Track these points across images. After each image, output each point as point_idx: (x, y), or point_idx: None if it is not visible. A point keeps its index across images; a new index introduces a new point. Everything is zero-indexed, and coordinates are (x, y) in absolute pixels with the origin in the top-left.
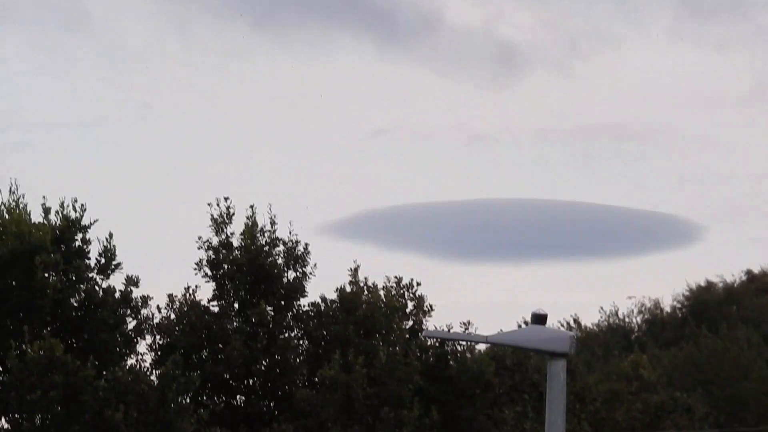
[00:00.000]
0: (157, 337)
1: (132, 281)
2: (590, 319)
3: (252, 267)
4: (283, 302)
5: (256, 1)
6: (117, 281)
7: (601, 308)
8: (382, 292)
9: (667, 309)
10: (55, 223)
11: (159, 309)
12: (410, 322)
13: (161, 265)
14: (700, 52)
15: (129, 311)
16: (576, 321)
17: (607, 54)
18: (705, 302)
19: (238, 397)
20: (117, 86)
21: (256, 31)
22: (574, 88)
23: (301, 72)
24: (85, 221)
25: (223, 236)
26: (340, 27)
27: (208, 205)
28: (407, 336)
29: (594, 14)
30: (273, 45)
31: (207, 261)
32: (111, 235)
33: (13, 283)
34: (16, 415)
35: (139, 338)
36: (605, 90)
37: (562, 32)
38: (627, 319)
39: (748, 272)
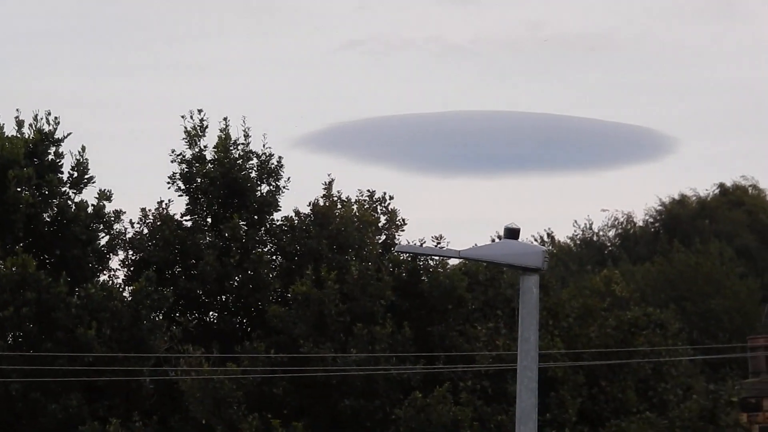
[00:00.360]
0: (130, 252)
1: (105, 195)
2: (564, 233)
3: (225, 180)
4: (256, 216)
5: None
6: (90, 195)
7: (575, 222)
8: (355, 207)
9: (640, 223)
10: (29, 136)
11: (132, 224)
12: (383, 237)
13: (135, 179)
14: None
15: (102, 226)
16: (549, 235)
17: None
18: (678, 216)
19: (210, 313)
20: None
21: None
22: None
23: None
24: (58, 134)
25: (197, 149)
26: None
27: (182, 117)
28: (380, 251)
29: None
30: None
31: (180, 174)
32: (84, 149)
33: None
34: None
35: (111, 254)
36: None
37: None
38: (601, 234)
39: (721, 186)
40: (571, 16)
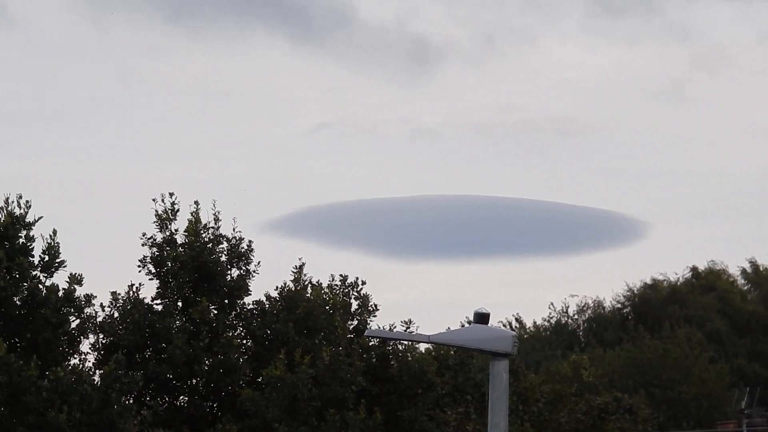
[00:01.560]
0: (101, 336)
1: (75, 279)
2: (534, 317)
3: (195, 264)
4: (226, 300)
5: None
6: (60, 279)
7: (551, 305)
8: (327, 290)
9: (609, 308)
10: (0, 219)
11: (102, 307)
12: (355, 322)
13: (106, 263)
14: (618, 47)
15: (72, 310)
16: (518, 320)
17: (527, 49)
18: (649, 301)
19: (181, 397)
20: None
21: (176, 27)
22: (503, 81)
23: (233, 68)
24: (29, 218)
25: (167, 233)
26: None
27: (153, 200)
28: (351, 335)
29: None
30: (190, 40)
31: (151, 258)
32: (55, 233)
33: None
34: None
35: (82, 337)
36: (541, 85)
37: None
38: (569, 320)
39: (694, 269)
40: (540, 101)
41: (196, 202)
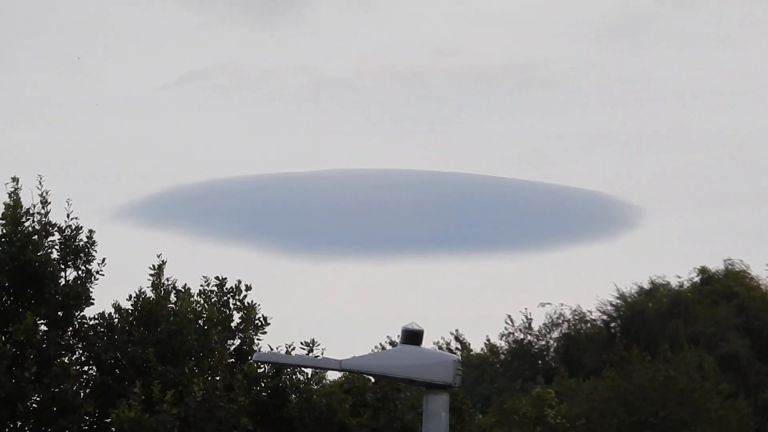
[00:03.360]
0: None
1: None
2: (483, 335)
3: (16, 264)
4: (60, 313)
5: None
6: None
7: (509, 318)
8: (198, 299)
9: (591, 322)
10: None
11: None
12: (236, 342)
13: None
14: None
15: None
16: (460, 340)
17: None
18: (642, 313)
19: None
20: None
21: None
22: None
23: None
24: None
25: None
26: None
27: None
28: (232, 360)
29: None
30: None
31: None
32: None
33: None
34: None
35: None
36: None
37: None
38: (534, 339)
39: (703, 270)
40: (492, 43)
41: (15, 179)
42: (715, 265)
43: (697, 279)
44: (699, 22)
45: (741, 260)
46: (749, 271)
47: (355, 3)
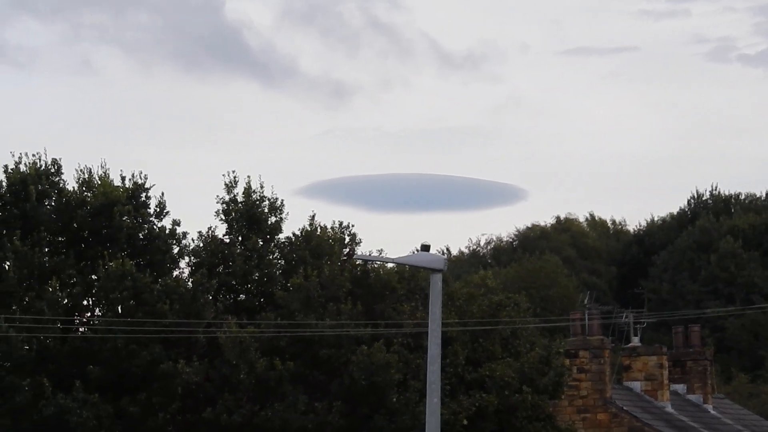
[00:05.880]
0: (191, 258)
1: (176, 222)
2: (458, 247)
3: (248, 214)
4: (268, 236)
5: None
6: (167, 222)
7: (470, 239)
8: (329, 230)
9: (505, 242)
10: (129, 186)
11: (192, 240)
12: (347, 249)
13: (195, 213)
14: None
15: (174, 242)
16: (448, 250)
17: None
18: (528, 237)
19: (240, 296)
20: None
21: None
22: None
23: None
24: (147, 185)
25: (232, 195)
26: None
27: (222, 175)
28: (344, 258)
29: None
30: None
31: (222, 211)
32: (163, 194)
33: (103, 224)
34: (106, 306)
35: (180, 259)
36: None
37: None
38: (480, 249)
39: (556, 218)
40: (460, 113)
41: (249, 176)
42: (562, 215)
43: (553, 222)
44: None
45: (574, 212)
46: (578, 219)
47: None
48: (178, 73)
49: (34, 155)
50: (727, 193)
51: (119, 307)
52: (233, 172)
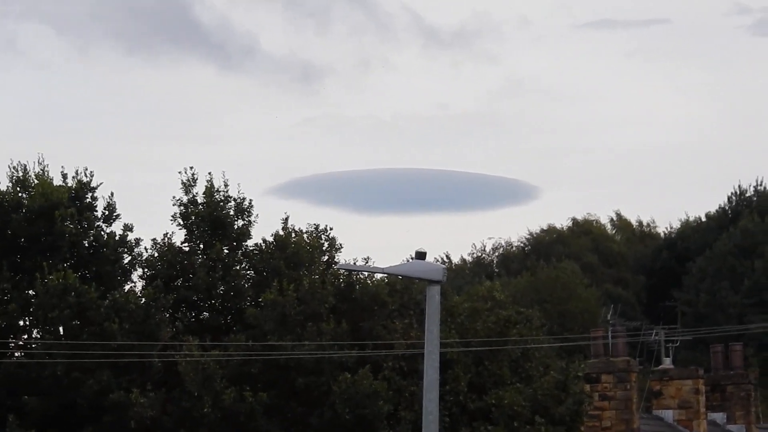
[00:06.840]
0: (145, 269)
1: (128, 228)
2: (460, 255)
3: (211, 218)
4: (234, 243)
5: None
6: (117, 227)
7: (473, 245)
8: (305, 236)
9: (515, 247)
10: (72, 185)
11: (146, 249)
12: (326, 257)
13: (148, 217)
14: None
15: (125, 250)
16: (447, 257)
17: None
18: (542, 241)
19: (203, 313)
20: None
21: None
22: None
23: None
24: (93, 184)
25: (191, 195)
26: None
27: (179, 172)
28: (324, 268)
29: None
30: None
31: (180, 214)
32: (112, 194)
33: (42, 230)
34: (45, 327)
35: (132, 270)
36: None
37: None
38: (486, 256)
39: (574, 219)
40: (470, 99)
41: (210, 173)
42: (581, 216)
43: (570, 224)
44: None
45: (594, 213)
46: (599, 220)
47: None
48: (119, 54)
49: None
50: None
51: (61, 328)
52: (191, 168)
